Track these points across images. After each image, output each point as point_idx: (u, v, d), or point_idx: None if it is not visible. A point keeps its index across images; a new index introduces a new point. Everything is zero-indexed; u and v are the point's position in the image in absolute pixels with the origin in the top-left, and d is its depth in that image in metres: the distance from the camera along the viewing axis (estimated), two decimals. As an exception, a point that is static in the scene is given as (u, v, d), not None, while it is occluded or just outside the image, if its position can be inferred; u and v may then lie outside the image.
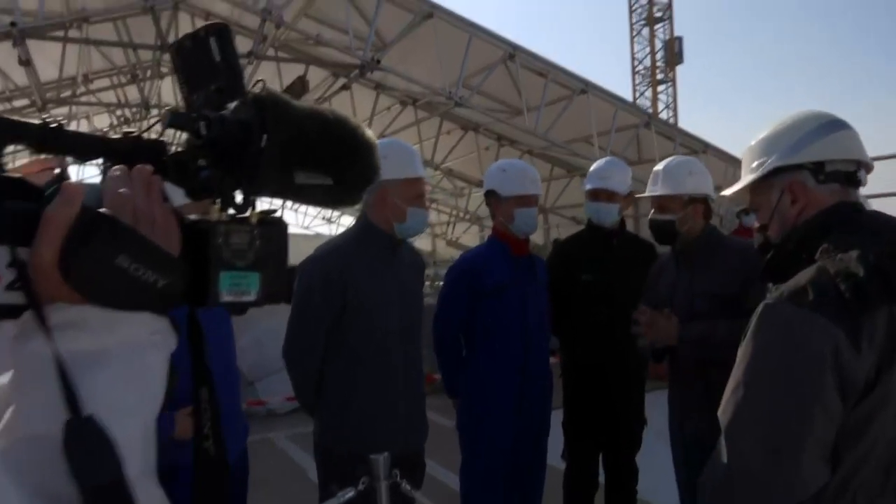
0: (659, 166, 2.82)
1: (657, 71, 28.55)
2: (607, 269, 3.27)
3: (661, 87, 28.40)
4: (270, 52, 9.02)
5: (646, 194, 2.83)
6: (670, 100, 27.96)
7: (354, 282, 2.42)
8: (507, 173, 3.07)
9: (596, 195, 3.35)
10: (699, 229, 2.72)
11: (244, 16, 8.76)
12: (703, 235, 2.72)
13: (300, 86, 7.84)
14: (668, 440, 2.73)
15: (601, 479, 3.50)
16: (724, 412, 1.29)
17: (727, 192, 1.67)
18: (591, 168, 3.48)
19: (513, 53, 8.55)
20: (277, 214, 0.73)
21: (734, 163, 9.95)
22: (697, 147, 10.52)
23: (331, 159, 0.71)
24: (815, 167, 1.42)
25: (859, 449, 1.20)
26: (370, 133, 0.77)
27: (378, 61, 8.14)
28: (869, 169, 1.47)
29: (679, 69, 28.49)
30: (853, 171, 1.44)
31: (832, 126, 1.44)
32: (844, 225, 1.36)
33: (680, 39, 27.32)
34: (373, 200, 2.51)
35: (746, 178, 1.56)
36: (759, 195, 1.55)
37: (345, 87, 9.79)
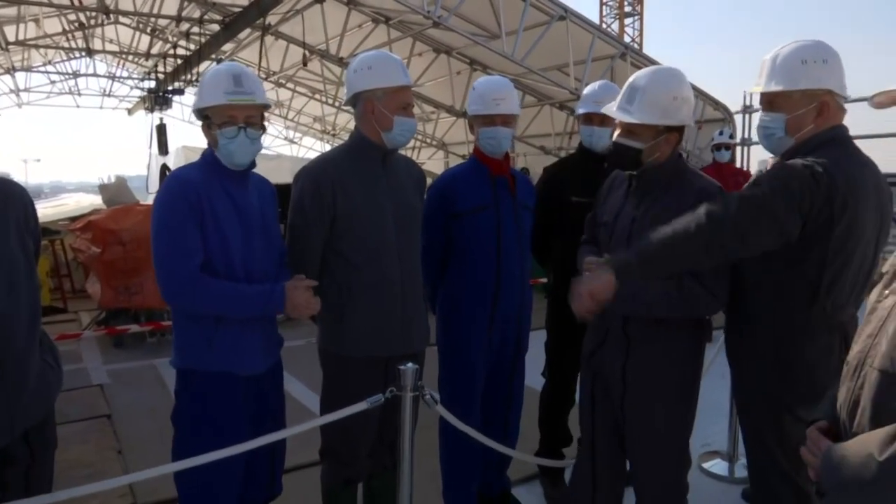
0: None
1: (625, 3, 28.14)
2: (598, 191, 3.34)
3: (627, 21, 28.06)
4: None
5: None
6: (636, 33, 27.74)
7: (344, 190, 2.50)
8: (475, 91, 3.07)
9: (589, 119, 3.39)
10: (664, 158, 2.42)
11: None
12: (666, 164, 2.42)
13: (273, -4, 7.51)
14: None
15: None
16: None
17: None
18: (585, 91, 3.50)
19: (492, -28, 8.35)
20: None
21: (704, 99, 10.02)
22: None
23: None
24: None
25: None
26: None
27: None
28: None
29: (647, 2, 28.17)
30: None
31: None
32: None
33: (650, -29, 26.93)
34: (361, 112, 2.58)
35: None
36: None
37: (317, 0, 9.45)
